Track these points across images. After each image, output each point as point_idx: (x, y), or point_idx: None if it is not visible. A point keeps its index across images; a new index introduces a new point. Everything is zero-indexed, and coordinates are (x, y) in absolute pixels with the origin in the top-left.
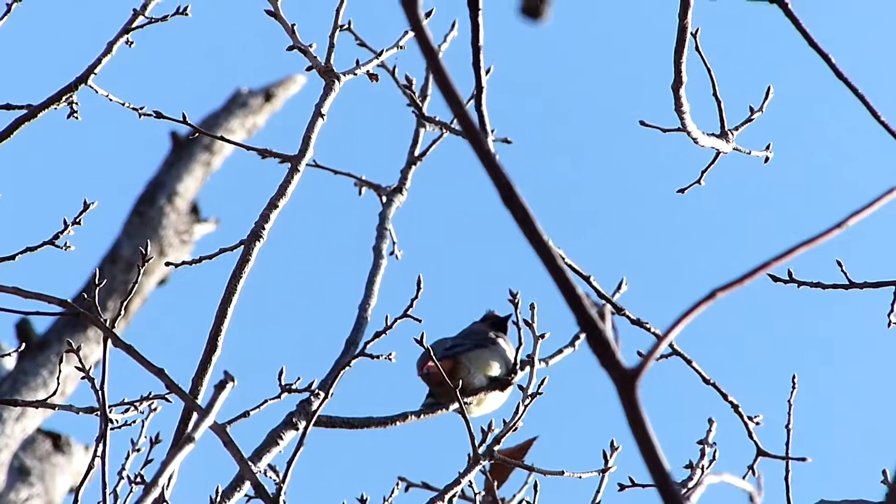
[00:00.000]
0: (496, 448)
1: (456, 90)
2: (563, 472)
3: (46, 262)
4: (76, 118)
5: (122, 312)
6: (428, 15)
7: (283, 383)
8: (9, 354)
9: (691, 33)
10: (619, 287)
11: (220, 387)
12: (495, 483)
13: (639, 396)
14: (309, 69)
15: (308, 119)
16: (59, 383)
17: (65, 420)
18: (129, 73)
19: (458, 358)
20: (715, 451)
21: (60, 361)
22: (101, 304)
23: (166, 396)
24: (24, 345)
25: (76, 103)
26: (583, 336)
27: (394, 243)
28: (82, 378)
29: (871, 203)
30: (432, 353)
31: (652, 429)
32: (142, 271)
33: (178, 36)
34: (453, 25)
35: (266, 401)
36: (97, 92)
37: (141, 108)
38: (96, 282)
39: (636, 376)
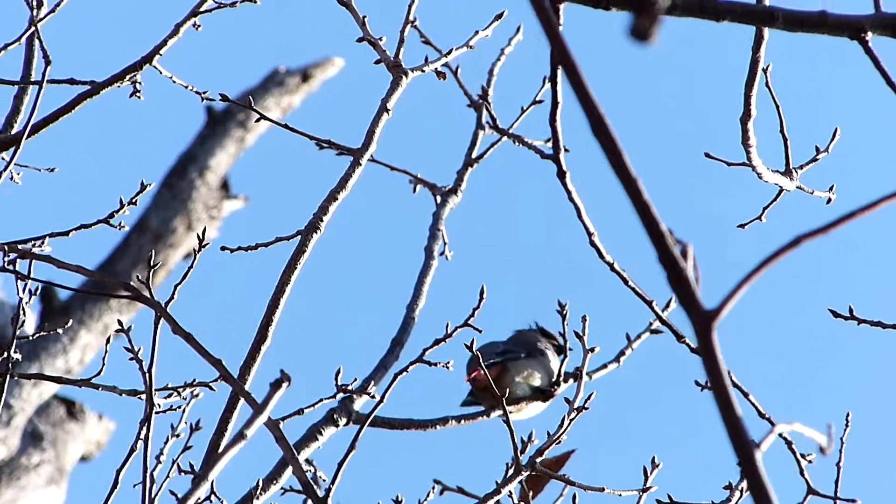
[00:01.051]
0: (538, 460)
1: (563, 38)
2: (603, 489)
3: None
4: (139, 97)
5: (174, 295)
6: (500, 17)
7: (339, 383)
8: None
9: (762, 69)
10: (667, 306)
11: (275, 385)
12: (531, 494)
13: (716, 337)
14: (377, 62)
15: (355, 109)
16: (107, 353)
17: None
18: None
19: (507, 365)
20: None
21: (110, 339)
22: (125, 273)
23: (211, 385)
24: (45, 309)
25: (140, 82)
26: (635, 341)
27: (445, 244)
28: (130, 359)
29: None
30: (481, 360)
31: (726, 370)
32: (196, 257)
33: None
34: (518, 29)
35: (322, 400)
36: (161, 73)
37: (205, 93)
38: (151, 264)
39: (715, 317)
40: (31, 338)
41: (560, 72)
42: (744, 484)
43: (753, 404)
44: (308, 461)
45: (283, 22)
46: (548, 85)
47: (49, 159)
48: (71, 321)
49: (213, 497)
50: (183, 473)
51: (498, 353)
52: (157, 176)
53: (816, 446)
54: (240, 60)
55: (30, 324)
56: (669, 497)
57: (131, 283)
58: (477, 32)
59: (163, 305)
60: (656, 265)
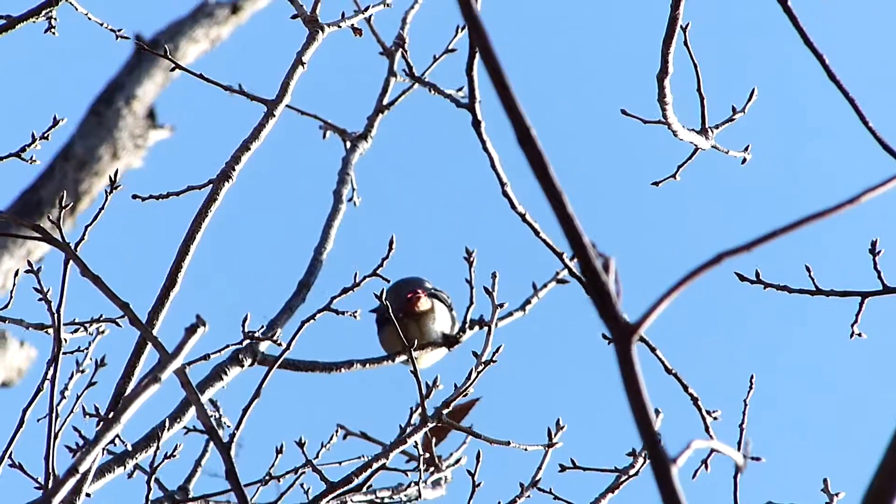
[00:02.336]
0: (444, 412)
1: (484, 28)
2: (509, 443)
3: None
4: (53, 34)
5: (85, 236)
6: None
7: (246, 330)
8: None
9: (681, 27)
10: (572, 257)
11: (190, 331)
12: (433, 440)
13: (635, 351)
14: (294, 17)
15: (277, 54)
16: (14, 284)
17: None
18: None
19: (434, 305)
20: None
21: (18, 273)
22: (49, 200)
23: (118, 321)
24: None
25: (55, 19)
26: (541, 290)
27: (353, 190)
28: (39, 300)
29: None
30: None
31: (644, 386)
32: (109, 196)
33: None
34: None
35: (228, 346)
36: (76, 9)
37: (119, 31)
38: (61, 202)
39: (634, 331)
40: None
41: (477, 25)
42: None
43: (661, 359)
44: (212, 402)
45: None
46: (460, 34)
47: None
48: None
49: (116, 440)
50: (88, 417)
51: (434, 288)
52: (83, 104)
53: (733, 463)
54: None
55: None
56: (573, 461)
57: (40, 224)
58: None
59: (71, 247)
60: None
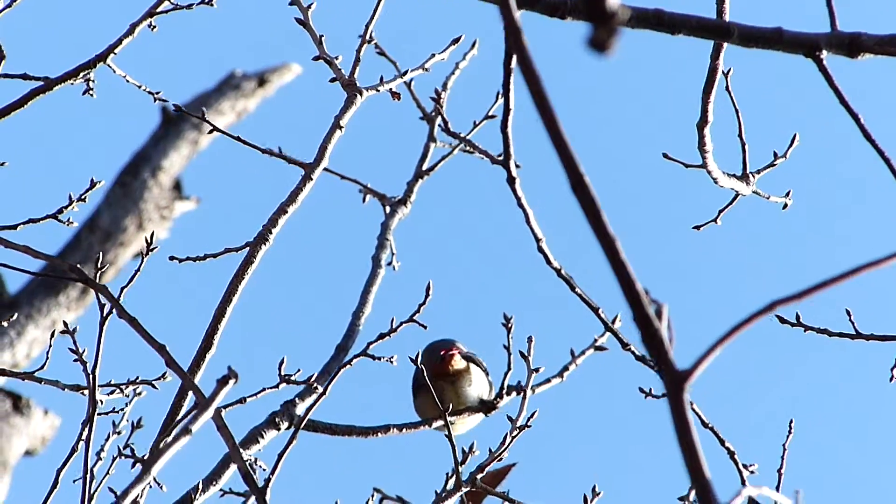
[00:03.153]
0: (478, 476)
1: (535, 66)
2: None
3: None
4: (91, 95)
5: (132, 281)
6: (457, 41)
7: (282, 373)
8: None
9: (723, 72)
10: (614, 321)
11: (222, 381)
12: None
13: (687, 398)
14: (332, 80)
15: (310, 120)
16: (50, 346)
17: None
18: (130, 46)
19: (470, 367)
20: None
21: (54, 334)
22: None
23: (153, 382)
24: None
25: (93, 80)
26: (579, 357)
27: (392, 254)
28: (74, 360)
29: None
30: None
31: (696, 434)
32: (144, 259)
33: (179, 13)
34: (474, 44)
35: (264, 389)
36: (115, 71)
37: (157, 93)
38: (98, 263)
39: (687, 378)
40: None
41: (513, 79)
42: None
43: (697, 413)
44: (249, 458)
45: (241, 25)
46: (500, 100)
47: (1, 153)
48: (17, 314)
49: (153, 483)
50: (123, 458)
51: (469, 351)
52: (110, 174)
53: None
54: (197, 62)
55: None
56: None
57: (78, 266)
58: (434, 55)
59: (107, 288)
60: (615, 292)
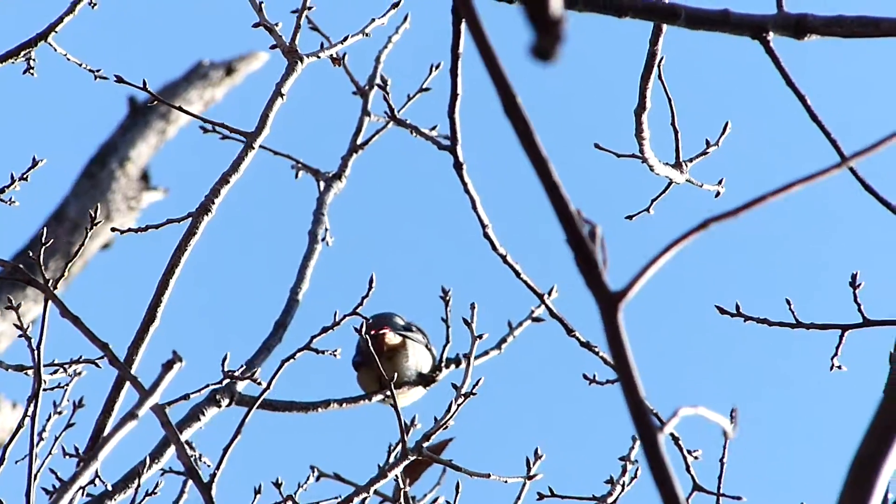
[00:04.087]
0: (424, 444)
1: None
2: (489, 475)
3: None
4: (32, 74)
5: (66, 275)
6: (396, 5)
7: (225, 370)
8: None
9: (657, 62)
10: (550, 292)
11: (167, 366)
12: (408, 481)
13: (621, 319)
14: (273, 47)
15: (267, 97)
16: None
17: None
18: (92, 35)
19: (406, 343)
20: (637, 468)
21: None
22: (43, 263)
23: (96, 362)
24: None
25: (34, 59)
26: (519, 326)
27: (326, 230)
28: (19, 336)
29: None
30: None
31: (631, 353)
32: (88, 235)
33: (143, 2)
34: (405, 18)
35: (208, 385)
36: (56, 50)
37: (97, 71)
38: (42, 242)
39: (621, 298)
40: None
41: (460, 63)
42: (625, 479)
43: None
44: (189, 443)
45: (208, 14)
46: (434, 73)
47: None
48: None
49: (96, 480)
50: (68, 456)
51: (403, 327)
52: (77, 165)
53: (721, 430)
54: (164, 52)
55: None
56: (551, 489)
57: (18, 266)
58: (373, 20)
59: (49, 287)
60: (557, 248)
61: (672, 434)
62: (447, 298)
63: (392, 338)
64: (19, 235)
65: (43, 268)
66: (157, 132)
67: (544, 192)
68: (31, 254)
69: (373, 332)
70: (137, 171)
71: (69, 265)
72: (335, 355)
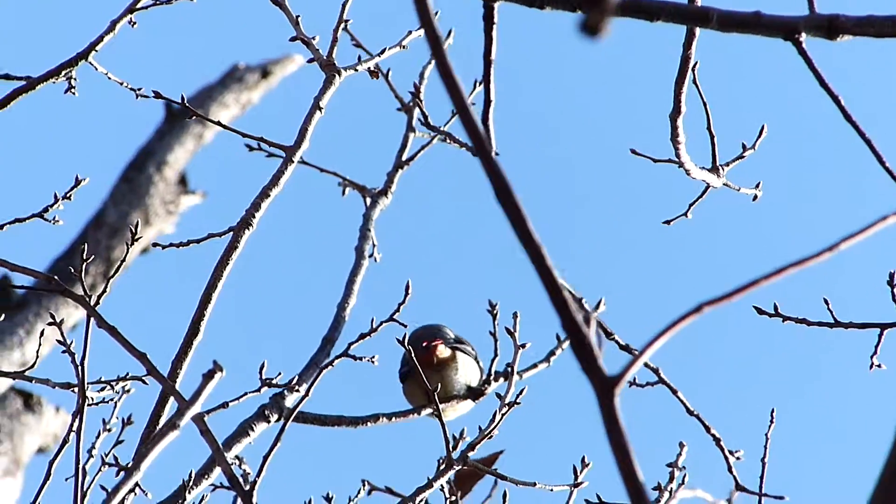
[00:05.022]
0: (469, 454)
1: (457, 80)
2: (535, 484)
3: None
4: (73, 94)
5: (107, 288)
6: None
7: (263, 377)
8: None
9: (691, 67)
10: (597, 306)
11: (208, 376)
12: (460, 494)
13: (617, 404)
14: (310, 61)
15: (306, 109)
16: (39, 344)
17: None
18: (127, 43)
19: (456, 355)
20: (685, 474)
21: (44, 332)
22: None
23: (143, 379)
24: (1, 303)
25: (75, 79)
26: (565, 342)
27: (374, 246)
28: (63, 352)
29: (864, 229)
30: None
31: (629, 438)
32: (129, 248)
33: (177, 8)
34: (450, 33)
35: (246, 393)
36: (97, 69)
37: (139, 89)
38: (83, 256)
39: (616, 384)
40: None
41: (493, 70)
42: (672, 485)
43: (682, 401)
44: (237, 457)
45: (243, 18)
46: (479, 88)
47: None
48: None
49: (137, 490)
50: (108, 467)
51: (455, 339)
52: (115, 171)
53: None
54: (201, 56)
55: None
56: (598, 497)
57: (55, 278)
58: (410, 32)
59: (88, 300)
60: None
61: (714, 435)
62: (494, 312)
63: (443, 350)
64: (58, 241)
65: (81, 274)
66: (194, 136)
67: (539, 278)
68: (70, 260)
69: (425, 344)
70: (175, 175)
71: (110, 278)
72: (373, 362)
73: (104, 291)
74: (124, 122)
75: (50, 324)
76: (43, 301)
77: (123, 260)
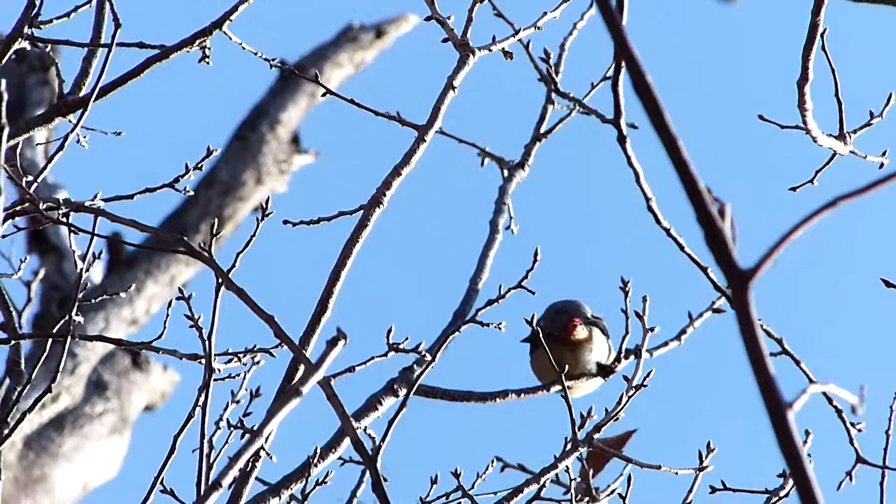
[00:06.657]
0: (596, 436)
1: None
2: (660, 467)
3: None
4: (207, 62)
5: (236, 263)
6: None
7: (390, 342)
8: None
9: (819, 33)
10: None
11: (332, 343)
12: (591, 472)
13: (751, 297)
14: (445, 41)
15: (420, 73)
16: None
17: (145, 335)
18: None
19: (593, 335)
20: (810, 461)
21: (171, 303)
22: (193, 226)
23: (271, 351)
24: (112, 258)
25: (209, 48)
26: (696, 320)
27: (511, 218)
28: (190, 327)
29: None
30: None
31: (761, 333)
32: (260, 223)
33: None
34: (591, 4)
35: (372, 357)
36: (231, 38)
37: (273, 59)
38: (213, 230)
39: (751, 277)
40: (93, 300)
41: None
42: None
43: (805, 372)
44: (364, 429)
45: None
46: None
47: (117, 122)
48: (132, 285)
49: (262, 452)
50: (233, 429)
51: (595, 316)
52: (228, 129)
53: (849, 406)
54: (315, 15)
55: (97, 274)
56: (723, 483)
57: (186, 240)
58: (545, 13)
59: (215, 261)
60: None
61: (836, 407)
62: (626, 289)
63: (581, 331)
64: (169, 199)
65: (193, 232)
66: (307, 95)
67: (674, 170)
68: (180, 218)
69: (567, 322)
70: (288, 134)
71: (239, 255)
72: (500, 328)
73: (234, 265)
74: (238, 80)
75: (178, 298)
76: (153, 259)
77: (254, 235)
